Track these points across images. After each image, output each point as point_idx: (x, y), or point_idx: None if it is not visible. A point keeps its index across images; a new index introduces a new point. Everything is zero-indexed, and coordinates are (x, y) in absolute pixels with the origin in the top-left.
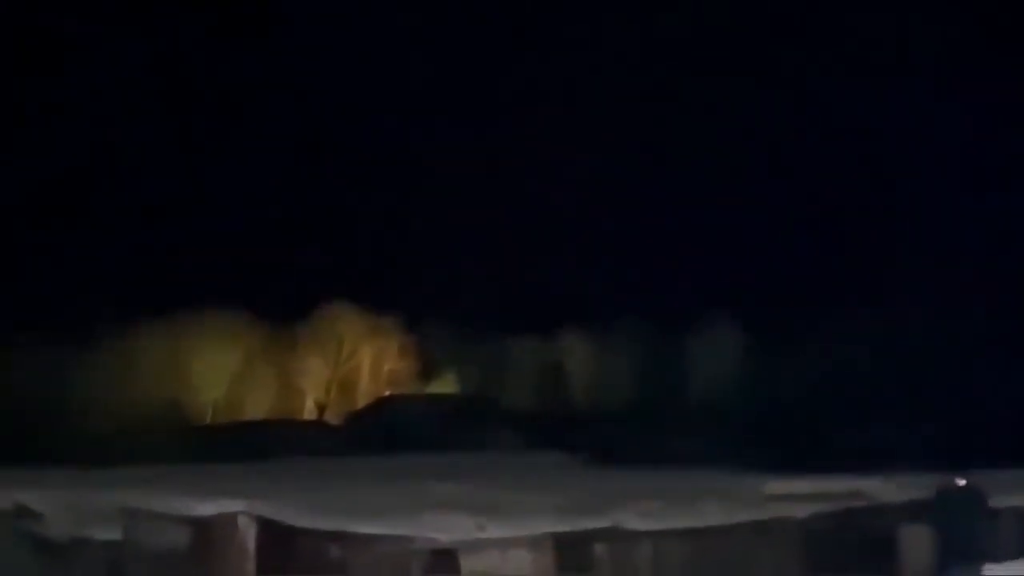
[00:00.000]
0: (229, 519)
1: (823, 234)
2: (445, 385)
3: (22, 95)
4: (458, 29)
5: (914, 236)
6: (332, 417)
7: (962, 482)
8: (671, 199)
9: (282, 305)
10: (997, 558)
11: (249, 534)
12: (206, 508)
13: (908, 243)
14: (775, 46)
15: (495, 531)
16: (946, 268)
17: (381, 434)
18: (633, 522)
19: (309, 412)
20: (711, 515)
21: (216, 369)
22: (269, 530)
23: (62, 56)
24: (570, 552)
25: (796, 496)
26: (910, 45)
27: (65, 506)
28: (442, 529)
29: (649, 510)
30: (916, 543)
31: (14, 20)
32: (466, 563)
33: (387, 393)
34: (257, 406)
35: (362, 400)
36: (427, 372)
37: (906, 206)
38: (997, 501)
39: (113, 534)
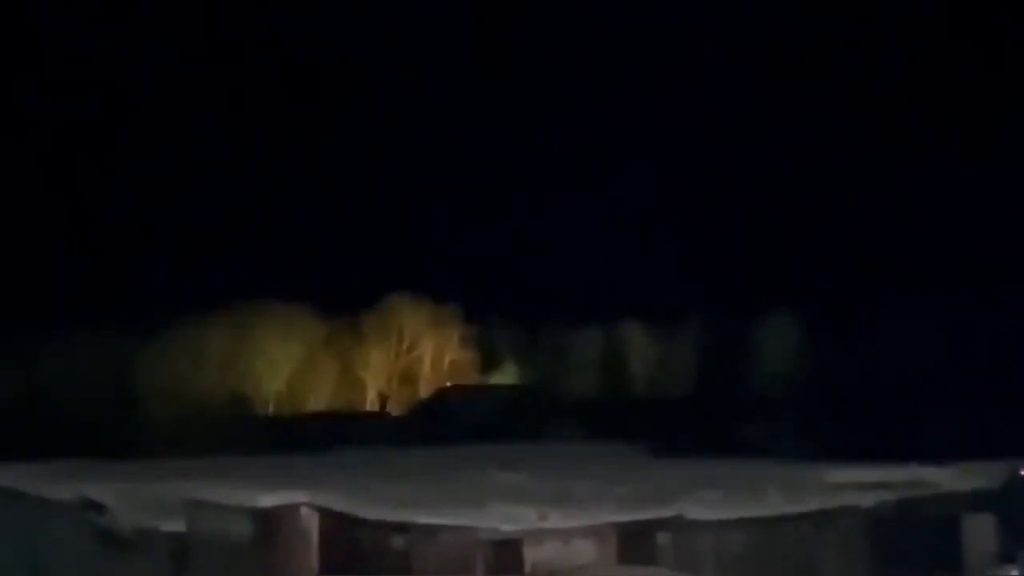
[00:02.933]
0: (292, 510)
1: (882, 227)
2: (506, 376)
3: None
4: (517, 45)
5: (976, 226)
6: (394, 408)
7: None
8: (730, 196)
9: (345, 297)
10: None
11: (312, 525)
12: (269, 499)
13: (968, 233)
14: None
15: (558, 521)
16: (1005, 259)
17: (443, 425)
18: (696, 512)
19: (371, 403)
20: (774, 504)
21: (279, 361)
22: (332, 521)
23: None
24: (633, 542)
25: (860, 485)
26: None
27: (129, 498)
28: (505, 520)
29: (712, 500)
30: (980, 531)
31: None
32: (529, 553)
33: (449, 384)
34: (320, 397)
35: (424, 391)
36: (488, 363)
37: (967, 198)
38: None
39: (177, 525)
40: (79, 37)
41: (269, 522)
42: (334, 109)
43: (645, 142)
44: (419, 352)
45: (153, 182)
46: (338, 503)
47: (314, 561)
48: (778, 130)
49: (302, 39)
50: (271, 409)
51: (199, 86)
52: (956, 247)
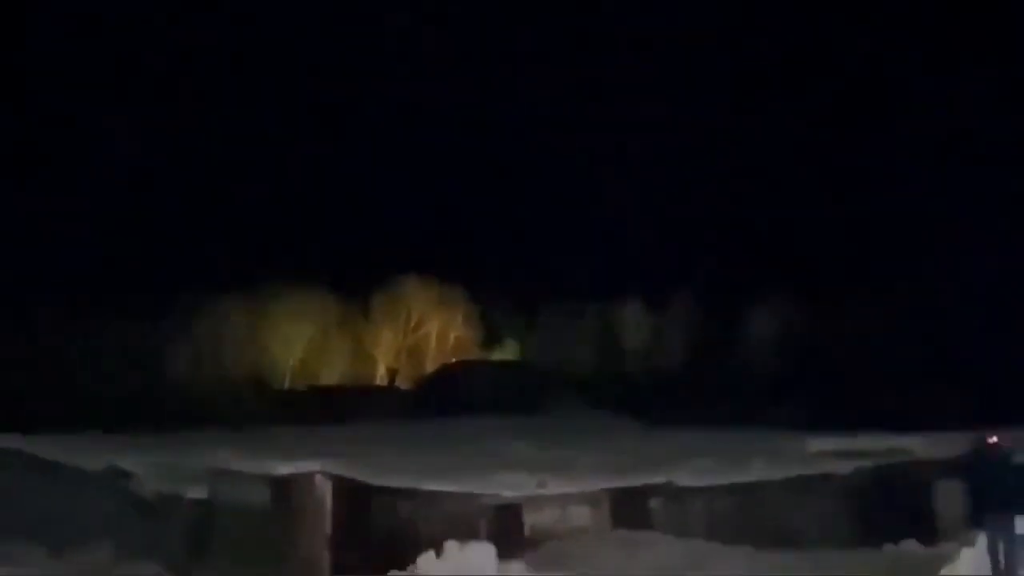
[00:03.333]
0: (307, 478)
1: (860, 215)
2: (508, 352)
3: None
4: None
5: (950, 213)
6: (402, 382)
7: (992, 439)
8: (717, 189)
9: (356, 279)
10: None
11: (326, 492)
12: (286, 468)
13: (944, 221)
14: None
15: (556, 488)
16: (977, 243)
17: (448, 398)
18: (686, 479)
19: (381, 378)
20: (759, 472)
21: (295, 339)
22: (344, 488)
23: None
24: (627, 507)
25: (838, 453)
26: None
27: (156, 467)
28: (506, 486)
29: (701, 467)
30: (950, 497)
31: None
32: (529, 518)
33: (454, 360)
34: (333, 372)
35: (430, 366)
36: (491, 340)
37: (945, 187)
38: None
39: (200, 493)
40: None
41: (286, 489)
42: (343, 106)
43: (643, 139)
44: (426, 330)
45: (177, 180)
46: (350, 471)
47: (327, 525)
48: (759, 138)
49: (311, 22)
50: (288, 384)
51: (216, 77)
52: (926, 231)
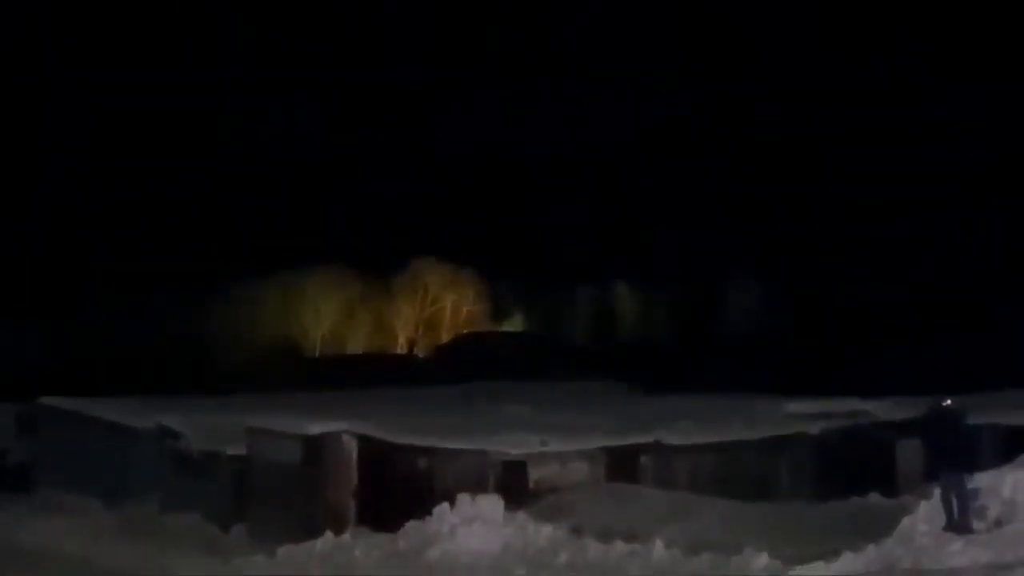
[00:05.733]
0: (335, 437)
1: (825, 203)
2: (514, 324)
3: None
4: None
5: (904, 192)
6: (420, 351)
7: (947, 402)
8: (701, 174)
9: (379, 260)
10: (976, 467)
11: (352, 449)
12: (316, 428)
13: (902, 200)
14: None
15: (556, 446)
16: (933, 228)
17: (460, 365)
18: (672, 438)
19: (401, 347)
20: (737, 431)
21: (325, 313)
22: (369, 446)
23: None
24: (619, 463)
25: (809, 415)
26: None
27: (200, 426)
28: (512, 444)
29: (685, 428)
30: (909, 454)
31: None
32: (533, 473)
33: (465, 331)
34: (358, 342)
35: (445, 337)
36: (499, 314)
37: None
38: (975, 419)
39: (239, 450)
40: None
41: (316, 447)
42: (368, 102)
43: (635, 134)
44: (440, 305)
45: (223, 177)
46: (374, 431)
47: (353, 479)
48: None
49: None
50: (318, 352)
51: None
52: (889, 217)
